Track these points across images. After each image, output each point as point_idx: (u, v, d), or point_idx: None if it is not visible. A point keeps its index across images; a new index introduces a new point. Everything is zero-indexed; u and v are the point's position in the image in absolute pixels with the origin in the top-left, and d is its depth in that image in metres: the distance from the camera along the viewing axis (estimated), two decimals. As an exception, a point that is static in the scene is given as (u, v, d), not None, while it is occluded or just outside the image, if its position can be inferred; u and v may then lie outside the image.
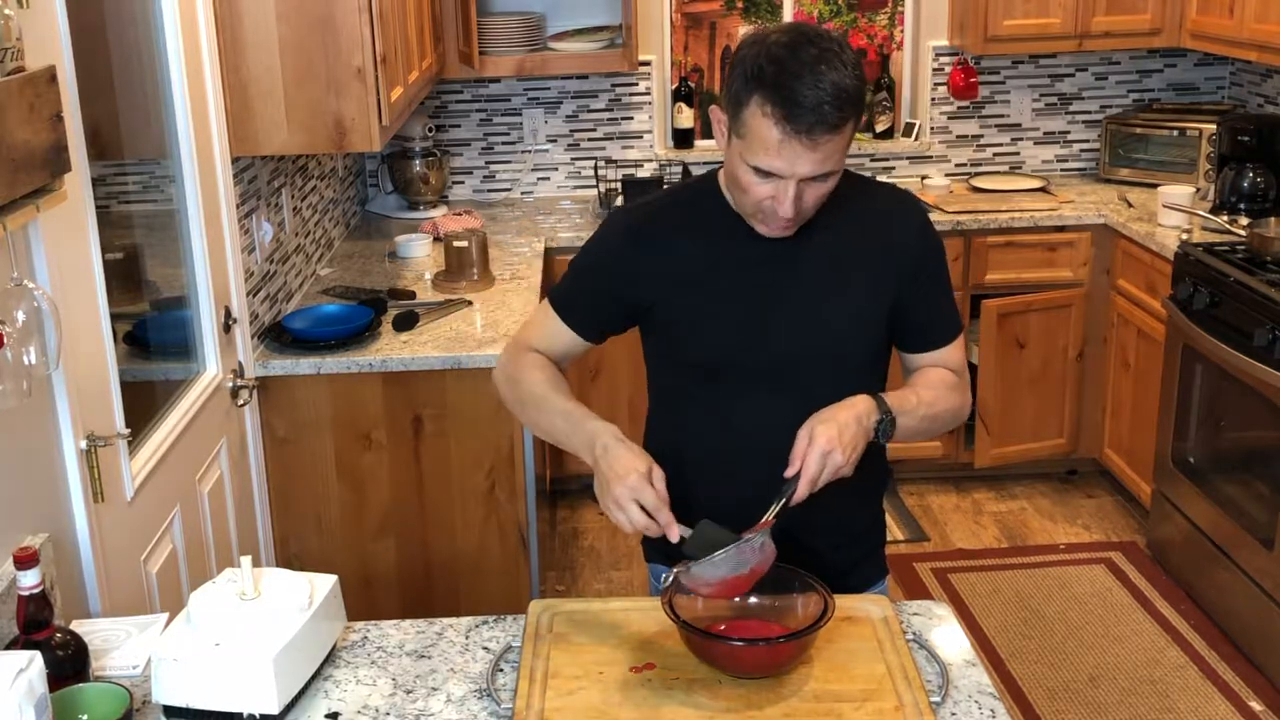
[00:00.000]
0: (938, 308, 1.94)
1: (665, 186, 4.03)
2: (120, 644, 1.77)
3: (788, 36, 1.66)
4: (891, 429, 1.78)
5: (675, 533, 1.66)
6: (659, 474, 1.68)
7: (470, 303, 3.44)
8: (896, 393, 1.85)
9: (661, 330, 1.90)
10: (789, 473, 1.69)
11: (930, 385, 1.90)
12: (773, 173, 1.68)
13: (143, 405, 2.41)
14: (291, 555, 3.13)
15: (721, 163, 1.88)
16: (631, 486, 1.66)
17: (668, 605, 1.64)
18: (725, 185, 1.84)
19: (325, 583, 1.71)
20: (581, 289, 1.95)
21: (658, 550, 2.03)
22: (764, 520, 1.67)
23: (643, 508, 1.66)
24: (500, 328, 3.23)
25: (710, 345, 1.84)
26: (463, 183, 4.82)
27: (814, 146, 1.64)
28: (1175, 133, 4.51)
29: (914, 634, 1.76)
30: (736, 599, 1.71)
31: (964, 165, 4.90)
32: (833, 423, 1.70)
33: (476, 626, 1.81)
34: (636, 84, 4.73)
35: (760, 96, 1.64)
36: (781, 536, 1.70)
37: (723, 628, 1.69)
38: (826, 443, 1.67)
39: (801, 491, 1.68)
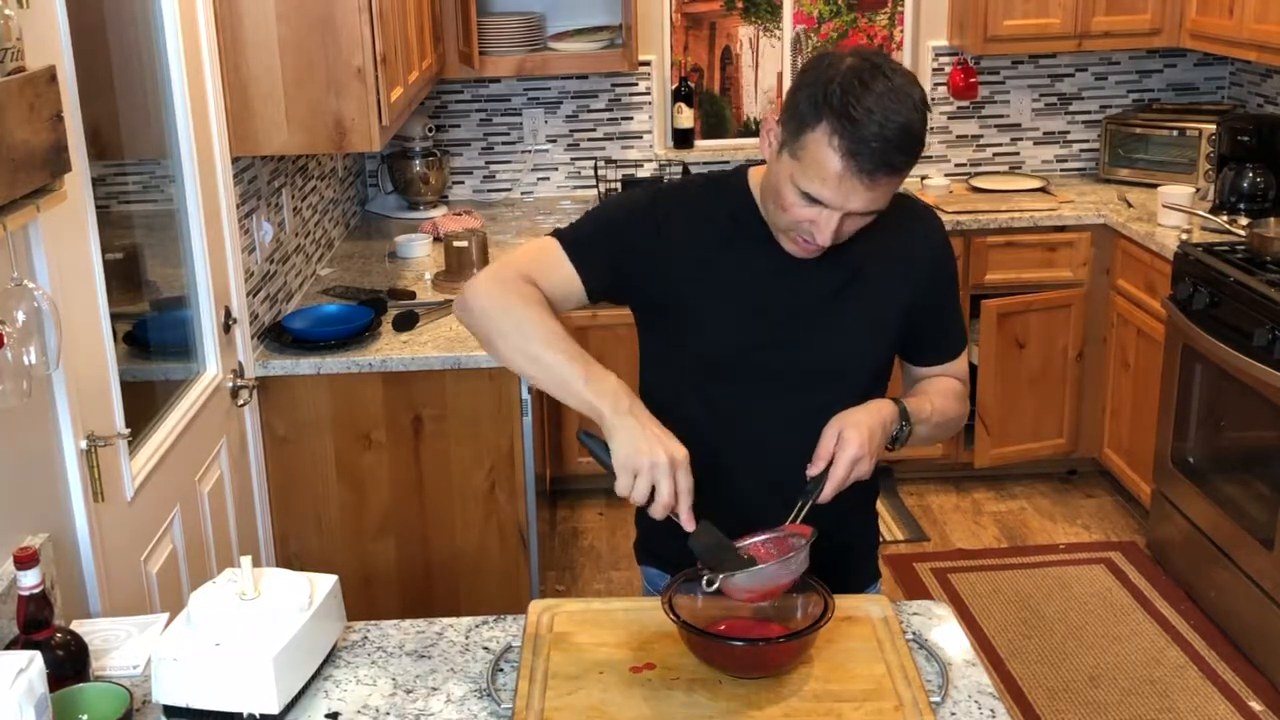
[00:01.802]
0: (949, 321, 1.95)
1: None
2: (120, 644, 1.77)
3: (864, 63, 1.61)
4: (908, 438, 1.80)
5: (691, 522, 1.62)
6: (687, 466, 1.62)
7: (470, 303, 3.43)
8: (914, 400, 1.85)
9: (669, 325, 1.87)
10: (813, 470, 1.70)
11: (941, 394, 1.91)
12: (822, 202, 1.65)
13: (143, 405, 2.41)
14: (291, 555, 3.13)
15: (742, 163, 1.88)
16: (671, 463, 1.59)
17: (668, 605, 1.64)
18: (759, 194, 1.81)
19: (325, 583, 1.71)
20: (601, 241, 1.83)
21: (650, 553, 2.04)
22: (793, 520, 1.68)
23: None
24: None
25: (715, 344, 1.83)
26: (463, 183, 4.82)
27: (872, 186, 1.62)
28: (1175, 133, 4.51)
29: (914, 634, 1.76)
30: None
31: (964, 165, 4.90)
32: (863, 427, 1.70)
33: (476, 626, 1.81)
34: (636, 84, 4.73)
35: (829, 126, 1.59)
36: None
37: (723, 628, 1.68)
38: (858, 448, 1.68)
39: (827, 495, 1.69)
